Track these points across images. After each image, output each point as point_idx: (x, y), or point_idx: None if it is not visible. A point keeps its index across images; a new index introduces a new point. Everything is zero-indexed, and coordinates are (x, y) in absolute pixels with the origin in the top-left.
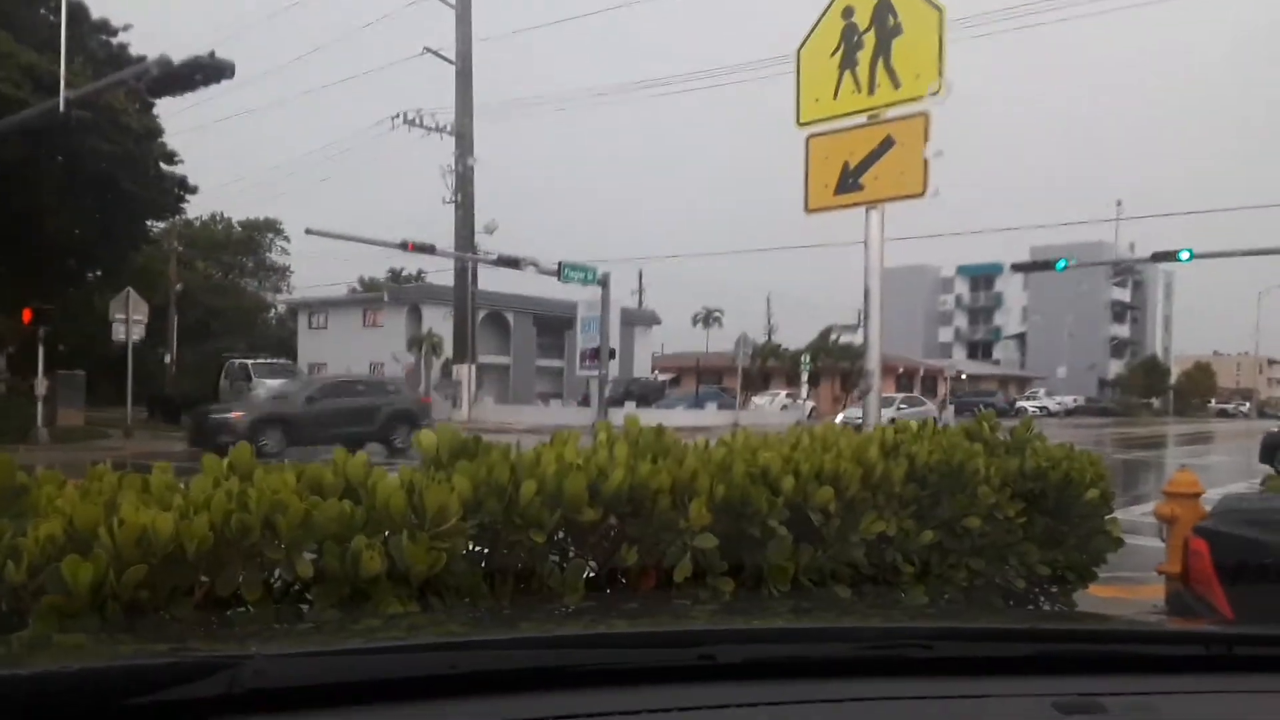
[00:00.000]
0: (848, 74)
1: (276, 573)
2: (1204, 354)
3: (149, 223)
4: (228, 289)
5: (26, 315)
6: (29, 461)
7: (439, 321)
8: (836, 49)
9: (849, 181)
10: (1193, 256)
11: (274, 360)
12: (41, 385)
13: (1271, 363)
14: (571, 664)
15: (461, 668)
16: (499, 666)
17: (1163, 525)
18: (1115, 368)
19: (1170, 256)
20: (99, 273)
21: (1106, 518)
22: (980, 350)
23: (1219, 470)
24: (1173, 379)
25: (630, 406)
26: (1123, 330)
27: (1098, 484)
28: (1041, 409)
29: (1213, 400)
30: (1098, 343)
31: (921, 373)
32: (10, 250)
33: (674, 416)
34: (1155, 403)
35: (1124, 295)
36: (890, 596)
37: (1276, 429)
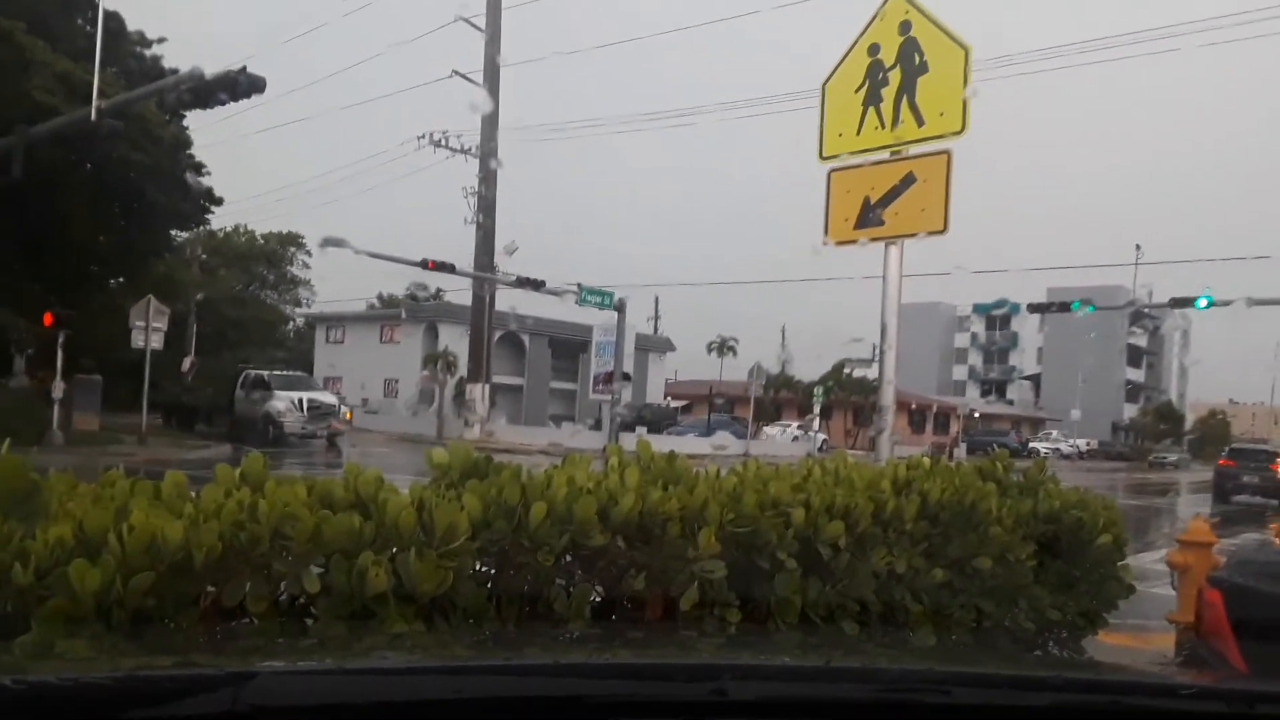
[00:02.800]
0: (872, 110)
1: (283, 586)
2: (1220, 402)
3: (173, 232)
4: (247, 300)
5: (47, 319)
6: (42, 464)
7: (455, 340)
8: (861, 85)
9: (870, 216)
10: (1211, 304)
11: (291, 373)
12: (58, 388)
13: None
14: (583, 694)
15: (469, 693)
16: (508, 693)
17: (1174, 573)
18: (1129, 412)
19: (1188, 303)
20: (121, 279)
21: (1119, 564)
22: (994, 389)
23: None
24: (1187, 426)
25: (641, 432)
26: (1138, 375)
27: (1111, 529)
28: (1054, 450)
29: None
30: (1112, 386)
31: (934, 409)
32: (35, 254)
33: (685, 443)
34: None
35: (1140, 340)
36: (899, 635)
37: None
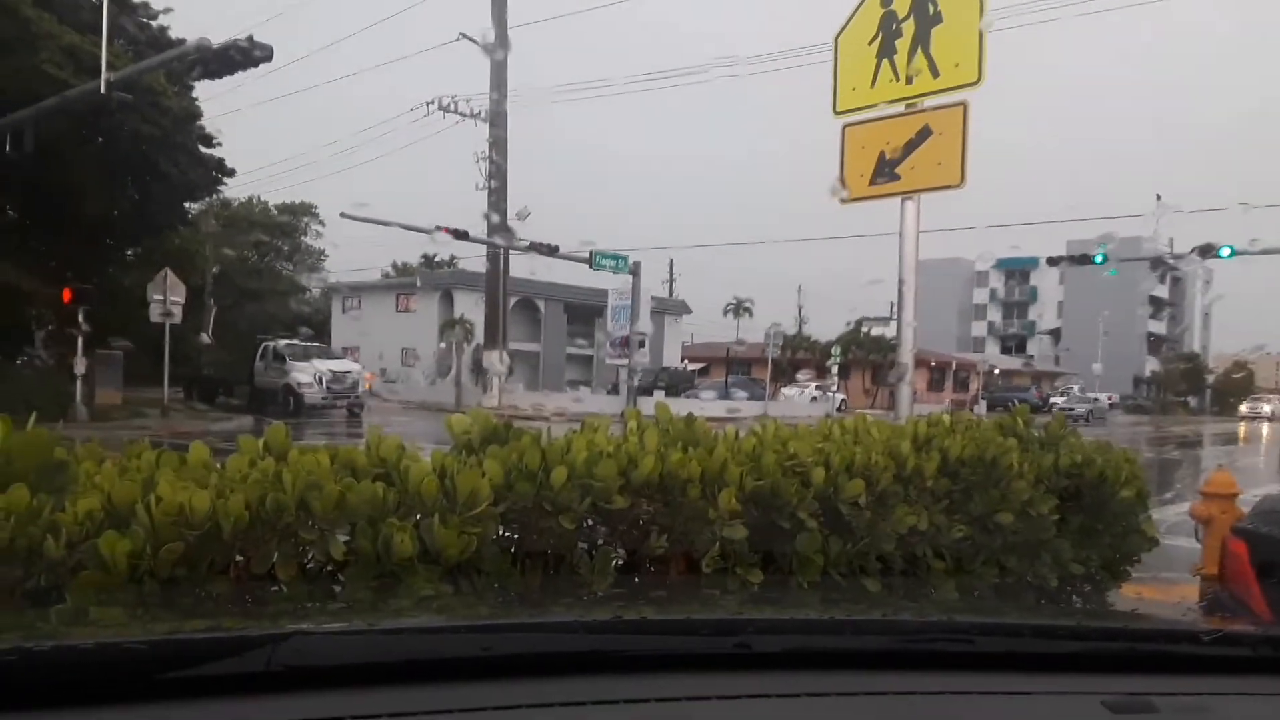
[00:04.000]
0: (886, 62)
1: (310, 552)
2: (1244, 352)
3: (186, 204)
4: (263, 272)
5: (67, 295)
6: (68, 439)
7: (471, 307)
8: (875, 37)
9: (885, 171)
10: (1234, 253)
11: (309, 343)
12: (80, 364)
13: None
14: (607, 649)
15: (497, 650)
16: (535, 650)
17: (1198, 526)
18: (1151, 365)
19: (1211, 252)
20: (137, 252)
21: (1142, 517)
22: (1014, 345)
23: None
24: (1211, 377)
25: (659, 395)
26: (1160, 327)
27: (1133, 482)
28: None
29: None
30: (1134, 339)
31: (954, 367)
32: (49, 229)
33: (703, 406)
34: (1193, 401)
35: (1162, 291)
36: (921, 590)
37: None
